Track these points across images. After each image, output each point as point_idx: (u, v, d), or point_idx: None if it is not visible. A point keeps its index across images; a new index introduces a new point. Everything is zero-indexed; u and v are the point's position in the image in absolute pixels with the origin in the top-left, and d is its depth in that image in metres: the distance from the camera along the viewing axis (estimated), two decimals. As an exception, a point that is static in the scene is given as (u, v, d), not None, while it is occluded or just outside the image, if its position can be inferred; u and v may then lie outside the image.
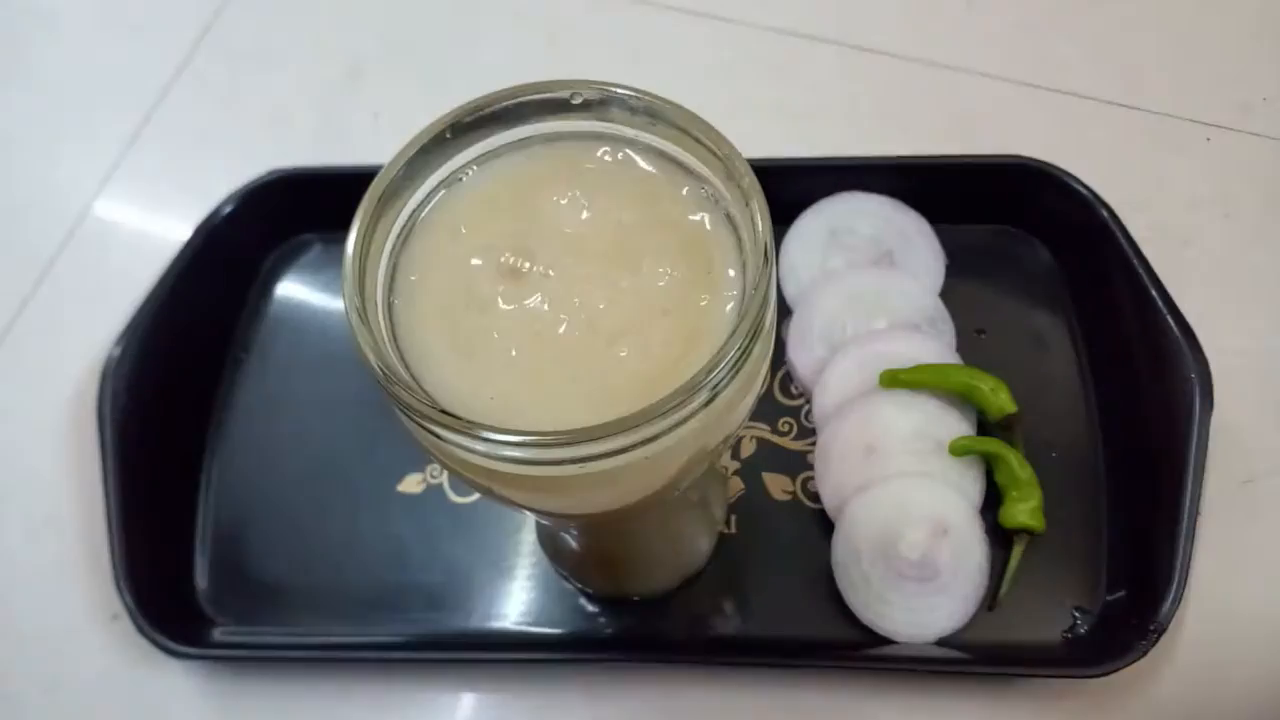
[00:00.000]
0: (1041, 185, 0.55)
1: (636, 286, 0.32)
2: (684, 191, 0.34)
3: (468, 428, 0.28)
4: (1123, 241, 0.52)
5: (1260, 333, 0.54)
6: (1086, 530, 0.49)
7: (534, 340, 0.31)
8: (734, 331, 0.29)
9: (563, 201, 0.33)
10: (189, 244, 0.58)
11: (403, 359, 0.32)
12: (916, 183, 0.56)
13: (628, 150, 0.34)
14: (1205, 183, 0.59)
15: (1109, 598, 0.47)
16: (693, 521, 0.48)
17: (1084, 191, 0.53)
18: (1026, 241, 0.57)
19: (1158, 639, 0.44)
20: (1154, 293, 0.50)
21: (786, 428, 0.53)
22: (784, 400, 0.54)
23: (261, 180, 0.60)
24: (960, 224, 0.56)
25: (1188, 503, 0.45)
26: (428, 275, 0.33)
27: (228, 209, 0.60)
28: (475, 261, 0.33)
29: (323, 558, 0.53)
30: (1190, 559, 0.44)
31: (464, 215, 0.34)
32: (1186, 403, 0.47)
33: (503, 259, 0.32)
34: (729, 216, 0.33)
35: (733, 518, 0.51)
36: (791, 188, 0.56)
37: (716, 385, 0.29)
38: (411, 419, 0.30)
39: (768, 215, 0.30)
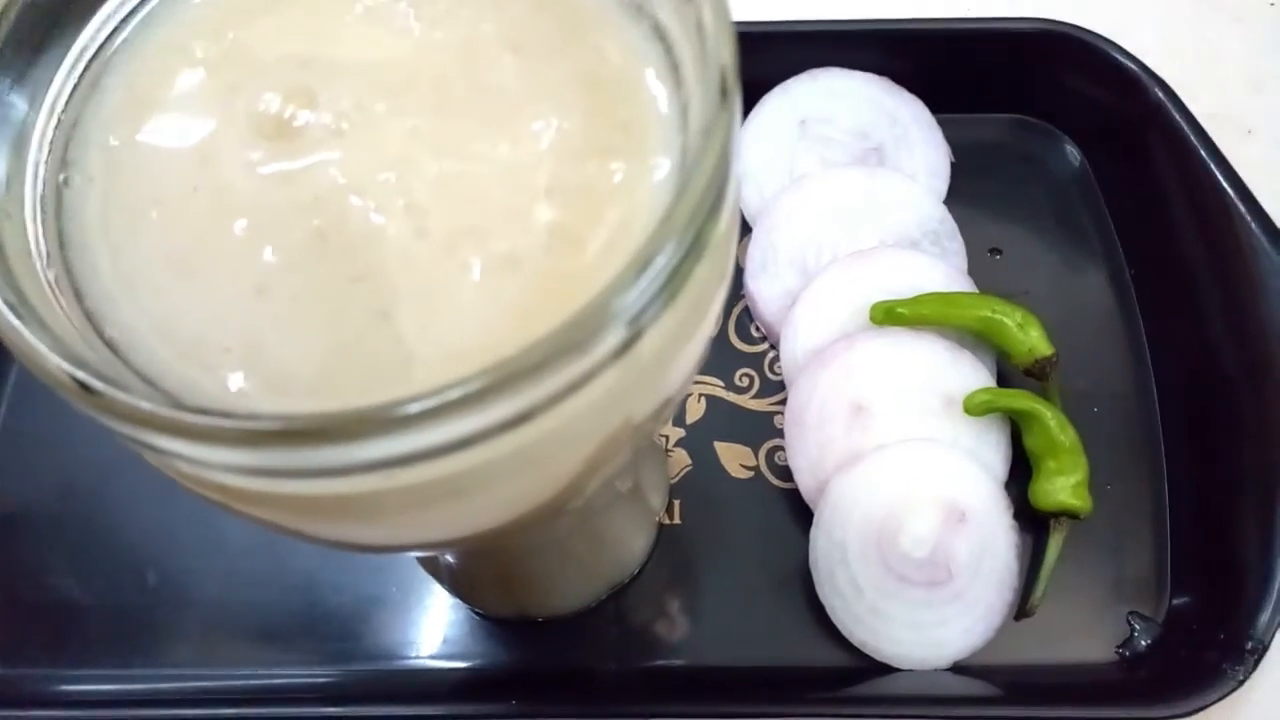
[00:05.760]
0: (1073, 59, 0.46)
1: (497, 150, 0.19)
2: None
3: (145, 415, 0.14)
4: (1186, 129, 0.43)
5: (1351, 246, 0.44)
6: (1143, 511, 0.42)
7: (313, 243, 0.19)
8: (667, 217, 0.16)
9: (368, 5, 0.20)
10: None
11: (74, 285, 0.18)
12: (911, 57, 0.47)
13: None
14: (1271, 58, 0.51)
15: (1176, 601, 0.40)
16: (621, 515, 0.39)
17: (1130, 65, 0.44)
18: (1051, 135, 0.49)
19: (1258, 661, 0.35)
20: (1233, 195, 0.41)
21: (745, 382, 0.45)
22: (742, 346, 0.46)
23: None
24: (969, 113, 0.48)
25: (1287, 468, 0.37)
26: (130, 138, 0.20)
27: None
28: (213, 111, 0.19)
29: (124, 574, 0.42)
30: (1293, 546, 0.36)
31: (197, 34, 0.20)
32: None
33: (261, 105, 0.19)
34: (658, 29, 0.20)
35: (676, 504, 0.43)
36: (748, 64, 0.45)
37: (639, 315, 0.17)
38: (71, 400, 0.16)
39: (727, 13, 0.17)
